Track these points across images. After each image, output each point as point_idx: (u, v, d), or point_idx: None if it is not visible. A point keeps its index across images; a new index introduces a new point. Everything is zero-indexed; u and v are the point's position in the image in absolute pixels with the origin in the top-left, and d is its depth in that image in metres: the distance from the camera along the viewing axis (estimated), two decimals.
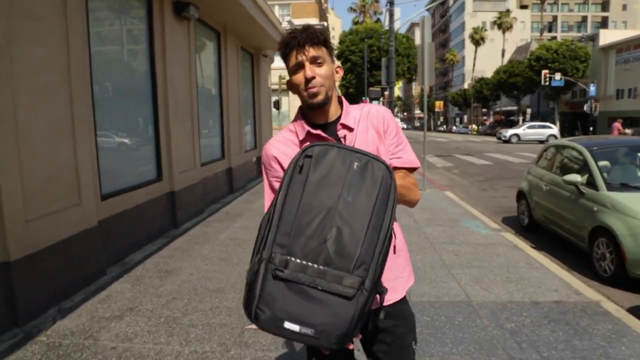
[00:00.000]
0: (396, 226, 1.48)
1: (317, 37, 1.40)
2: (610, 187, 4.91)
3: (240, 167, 10.48)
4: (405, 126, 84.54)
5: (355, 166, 1.19)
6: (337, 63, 1.54)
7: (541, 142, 31.61)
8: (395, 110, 78.95)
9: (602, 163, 5.32)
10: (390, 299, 1.48)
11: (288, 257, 1.13)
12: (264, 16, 10.21)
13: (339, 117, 1.50)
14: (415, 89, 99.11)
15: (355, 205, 1.16)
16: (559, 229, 5.83)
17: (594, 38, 38.61)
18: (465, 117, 72.64)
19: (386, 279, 1.32)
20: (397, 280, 1.53)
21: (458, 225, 6.63)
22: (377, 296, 1.21)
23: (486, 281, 4.28)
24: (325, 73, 1.41)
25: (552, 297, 3.88)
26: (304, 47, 1.39)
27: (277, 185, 1.46)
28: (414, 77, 41.09)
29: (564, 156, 6.27)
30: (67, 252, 4.03)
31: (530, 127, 33.56)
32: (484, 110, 63.83)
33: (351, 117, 1.49)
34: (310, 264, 1.12)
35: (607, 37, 37.90)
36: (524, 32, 73.22)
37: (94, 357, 2.99)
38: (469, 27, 72.52)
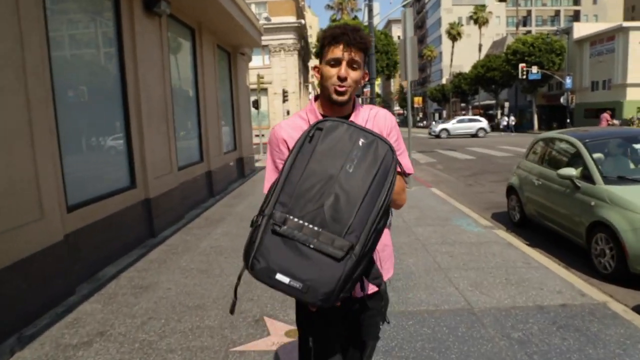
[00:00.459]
0: None
1: (364, 42, 1.47)
2: (607, 180, 4.72)
3: (220, 170, 10.09)
4: None
5: (360, 142, 1.29)
6: (366, 70, 1.60)
7: (473, 136, 31.77)
8: None
9: (595, 155, 5.14)
10: (370, 288, 1.58)
11: (287, 216, 1.23)
12: (240, 13, 9.83)
13: (349, 115, 1.57)
14: (394, 85, 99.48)
15: (355, 177, 1.25)
16: (553, 224, 5.65)
17: (568, 31, 39.06)
18: (444, 112, 73.10)
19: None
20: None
21: (448, 223, 6.40)
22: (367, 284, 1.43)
23: (485, 284, 4.04)
24: (357, 77, 1.50)
25: (557, 299, 3.66)
26: (350, 48, 1.45)
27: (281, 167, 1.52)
28: (392, 74, 41.08)
29: (556, 149, 6.09)
30: (29, 271, 3.64)
31: (459, 122, 34.02)
32: (463, 105, 64.25)
33: (360, 117, 1.58)
34: (306, 224, 1.21)
35: (580, 30, 38.37)
36: (499, 26, 74.07)
37: None
38: (446, 22, 72.94)
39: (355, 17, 48.20)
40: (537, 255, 4.86)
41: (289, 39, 27.83)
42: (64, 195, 4.31)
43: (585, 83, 36.98)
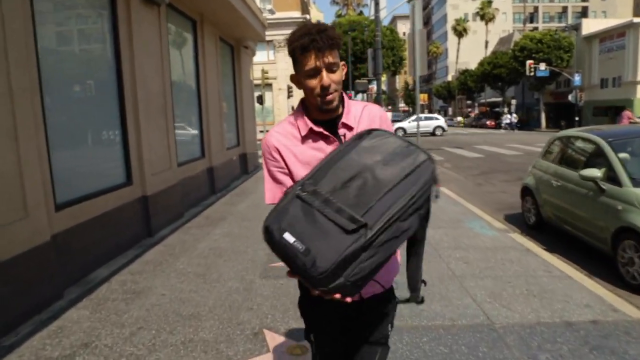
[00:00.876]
0: None
1: (334, 40, 1.40)
2: (635, 182, 4.38)
3: (222, 166, 9.78)
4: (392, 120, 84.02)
5: (403, 147, 1.32)
6: (343, 62, 1.51)
7: (432, 134, 31.09)
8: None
9: (621, 155, 4.79)
10: (373, 291, 1.56)
11: (315, 188, 1.26)
12: (243, 4, 9.49)
13: (341, 115, 1.52)
14: (399, 82, 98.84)
15: (388, 170, 1.27)
16: (573, 228, 5.31)
17: (577, 27, 38.45)
18: (450, 110, 72.53)
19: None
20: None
21: (461, 226, 6.07)
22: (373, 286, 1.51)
23: (505, 296, 3.71)
24: (339, 78, 1.45)
25: (587, 315, 3.33)
26: (324, 53, 1.39)
27: (279, 175, 1.52)
28: (398, 70, 40.60)
29: (575, 148, 5.74)
30: (10, 275, 3.36)
31: (416, 120, 33.17)
32: (469, 102, 63.72)
33: (352, 116, 1.53)
34: (330, 198, 1.23)
35: (590, 26, 37.72)
36: (506, 23, 73.27)
37: None
38: (451, 18, 72.25)
39: (361, 13, 47.73)
40: (558, 263, 4.53)
41: None
42: (51, 192, 4.02)
43: (595, 80, 36.37)
